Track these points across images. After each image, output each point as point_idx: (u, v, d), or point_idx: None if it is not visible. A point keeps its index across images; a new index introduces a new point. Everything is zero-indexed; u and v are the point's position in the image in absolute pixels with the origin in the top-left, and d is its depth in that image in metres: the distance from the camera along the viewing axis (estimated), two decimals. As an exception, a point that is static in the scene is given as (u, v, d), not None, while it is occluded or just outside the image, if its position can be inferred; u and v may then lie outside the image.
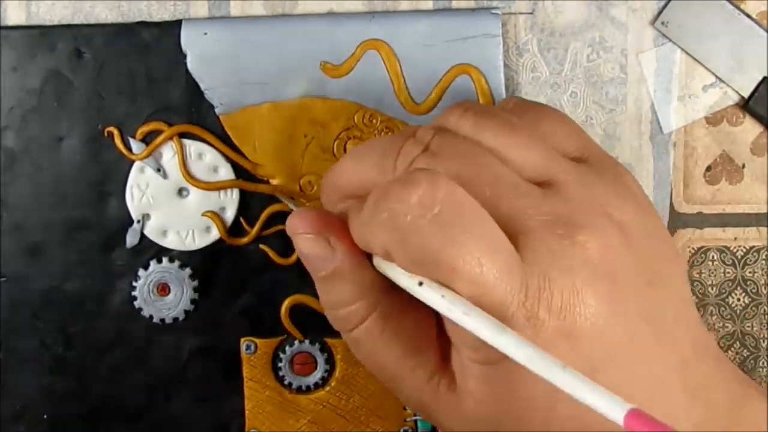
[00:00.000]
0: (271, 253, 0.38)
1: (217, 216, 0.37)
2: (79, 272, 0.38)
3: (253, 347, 0.38)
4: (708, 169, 0.38)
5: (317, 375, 0.38)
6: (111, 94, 0.37)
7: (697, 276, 0.39)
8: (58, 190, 0.37)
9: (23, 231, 0.37)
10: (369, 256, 0.29)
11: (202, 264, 0.38)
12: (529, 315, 0.26)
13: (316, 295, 0.37)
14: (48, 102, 0.37)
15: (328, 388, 0.38)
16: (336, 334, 0.38)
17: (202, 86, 0.37)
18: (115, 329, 0.38)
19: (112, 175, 0.37)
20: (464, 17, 0.37)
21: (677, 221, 0.39)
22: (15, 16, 0.38)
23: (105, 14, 0.38)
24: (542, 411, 0.27)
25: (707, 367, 0.29)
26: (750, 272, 0.39)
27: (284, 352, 0.38)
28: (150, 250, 0.38)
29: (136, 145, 0.37)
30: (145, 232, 0.38)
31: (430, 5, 0.38)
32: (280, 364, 0.38)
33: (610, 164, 0.31)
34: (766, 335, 0.39)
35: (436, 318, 0.30)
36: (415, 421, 0.38)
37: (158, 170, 0.37)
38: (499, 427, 0.28)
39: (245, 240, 0.38)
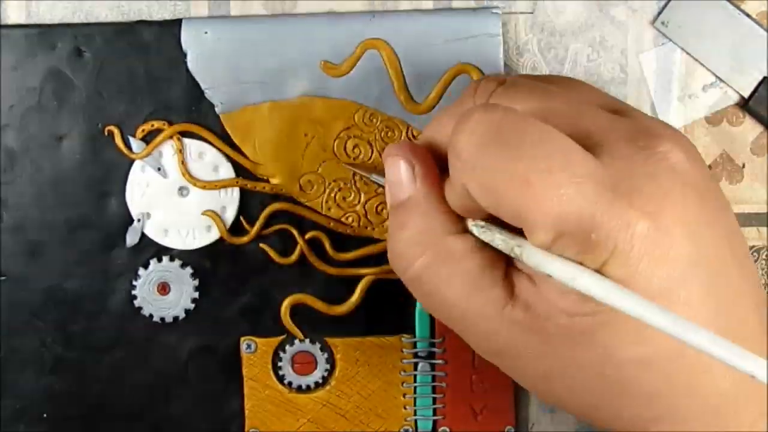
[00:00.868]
0: (272, 252, 0.38)
1: (217, 215, 0.37)
2: (79, 271, 0.38)
3: (253, 346, 0.38)
4: (708, 168, 0.39)
5: (317, 374, 0.38)
6: (111, 93, 0.37)
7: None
8: (58, 189, 0.37)
9: (23, 230, 0.37)
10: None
11: (203, 263, 0.38)
12: (617, 219, 0.25)
13: (316, 295, 0.38)
14: (48, 101, 0.37)
15: (328, 388, 0.38)
16: (336, 334, 0.38)
17: (203, 85, 0.37)
18: (116, 328, 0.38)
19: (113, 174, 0.37)
20: (464, 17, 0.37)
21: (677, 221, 0.39)
22: (15, 15, 0.38)
23: (105, 14, 0.38)
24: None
25: None
26: (750, 272, 0.39)
27: (284, 351, 0.38)
28: (150, 249, 0.38)
29: (136, 144, 0.37)
30: (146, 231, 0.38)
31: (430, 5, 0.38)
32: (280, 364, 0.38)
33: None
34: (765, 335, 0.39)
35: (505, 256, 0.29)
36: (415, 420, 0.38)
37: (158, 169, 0.37)
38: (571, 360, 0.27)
39: (245, 239, 0.38)
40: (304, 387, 0.38)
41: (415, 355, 0.38)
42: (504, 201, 0.25)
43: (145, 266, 0.38)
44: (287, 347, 0.38)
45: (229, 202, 0.38)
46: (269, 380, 0.38)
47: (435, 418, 0.38)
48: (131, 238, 0.38)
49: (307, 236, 0.38)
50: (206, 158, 0.37)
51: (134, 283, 0.38)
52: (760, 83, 0.38)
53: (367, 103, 0.37)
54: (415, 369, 0.38)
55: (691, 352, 0.23)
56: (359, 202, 0.38)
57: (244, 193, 0.38)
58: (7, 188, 0.37)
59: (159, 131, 0.37)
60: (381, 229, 0.38)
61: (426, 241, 0.29)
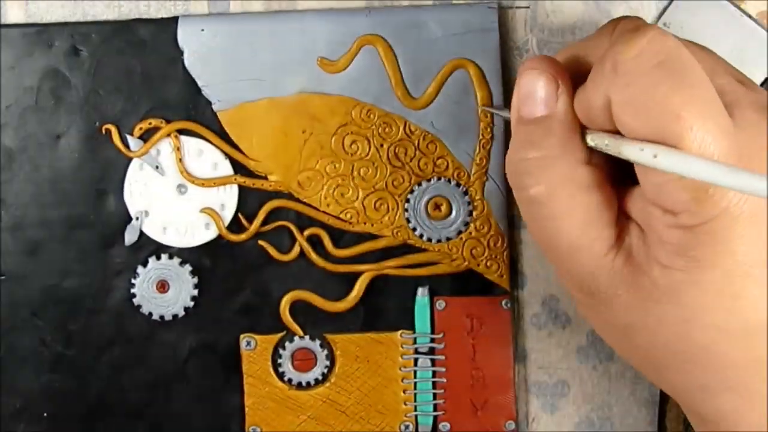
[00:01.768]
0: (271, 249, 0.38)
1: (215, 212, 0.37)
2: (78, 270, 0.38)
3: (253, 343, 0.38)
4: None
5: (317, 371, 0.38)
6: (108, 92, 0.37)
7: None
8: (57, 187, 0.37)
9: (22, 229, 0.37)
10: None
11: (202, 260, 0.38)
12: None
13: (315, 291, 0.38)
14: (45, 100, 0.37)
15: (328, 384, 0.38)
16: (336, 330, 0.38)
17: (200, 83, 0.37)
18: (115, 327, 0.38)
19: (111, 173, 0.37)
20: (461, 12, 0.37)
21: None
22: (14, 15, 0.38)
23: (104, 14, 0.38)
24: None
25: None
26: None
27: (284, 348, 0.38)
28: (149, 247, 0.38)
29: (133, 142, 0.37)
30: (144, 229, 0.38)
31: (429, 2, 0.38)
32: (280, 360, 0.38)
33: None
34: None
35: (618, 200, 0.29)
36: (416, 416, 0.38)
37: (156, 167, 0.37)
38: (677, 299, 0.27)
39: (244, 236, 0.38)
40: (304, 384, 0.38)
41: (415, 351, 0.38)
42: (650, 123, 0.26)
43: (144, 264, 0.38)
44: (287, 344, 0.38)
45: (227, 200, 0.38)
46: (269, 377, 0.38)
47: (435, 413, 0.38)
48: (130, 237, 0.38)
49: (306, 233, 0.38)
50: (204, 156, 0.37)
51: (133, 281, 0.38)
52: (761, 84, 0.38)
53: (365, 99, 0.37)
54: (415, 365, 0.38)
55: None
56: (358, 198, 0.38)
57: (242, 190, 0.38)
58: (6, 187, 0.37)
59: (156, 129, 0.37)
60: (380, 225, 0.38)
61: (557, 166, 0.29)
